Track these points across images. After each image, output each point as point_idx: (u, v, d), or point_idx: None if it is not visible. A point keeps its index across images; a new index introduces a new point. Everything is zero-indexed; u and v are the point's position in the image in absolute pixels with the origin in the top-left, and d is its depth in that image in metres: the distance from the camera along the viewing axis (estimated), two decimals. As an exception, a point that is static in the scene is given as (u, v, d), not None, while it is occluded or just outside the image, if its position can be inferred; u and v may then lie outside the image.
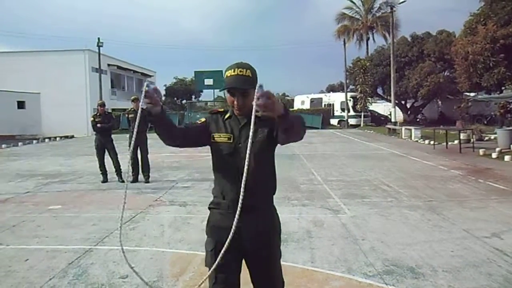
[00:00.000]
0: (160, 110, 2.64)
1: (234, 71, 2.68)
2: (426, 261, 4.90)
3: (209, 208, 2.91)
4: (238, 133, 2.75)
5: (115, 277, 4.59)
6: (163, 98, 64.23)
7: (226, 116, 2.83)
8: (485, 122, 31.79)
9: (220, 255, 2.49)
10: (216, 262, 2.53)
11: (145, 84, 2.54)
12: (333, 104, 41.85)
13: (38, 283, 4.45)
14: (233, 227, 2.45)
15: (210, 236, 2.86)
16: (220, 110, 2.92)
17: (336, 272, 4.63)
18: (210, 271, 2.67)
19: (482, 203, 7.87)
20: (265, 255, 2.78)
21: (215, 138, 2.80)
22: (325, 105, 42.46)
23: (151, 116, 2.66)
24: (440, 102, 40.52)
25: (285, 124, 2.47)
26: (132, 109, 10.93)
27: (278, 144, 2.76)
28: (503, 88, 22.95)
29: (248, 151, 2.48)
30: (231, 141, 2.75)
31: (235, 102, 2.70)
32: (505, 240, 5.65)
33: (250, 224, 2.69)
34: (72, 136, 33.49)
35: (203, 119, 2.92)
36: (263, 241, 2.76)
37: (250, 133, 2.41)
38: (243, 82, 2.66)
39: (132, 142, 3.24)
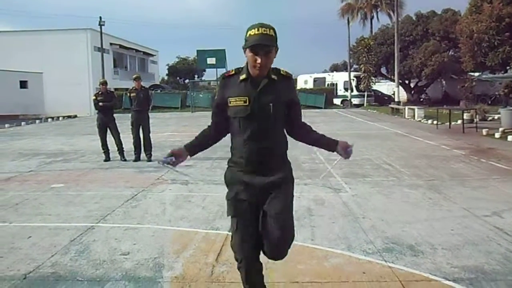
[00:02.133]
0: (188, 156, 3.02)
1: (258, 30, 2.71)
2: (425, 239, 4.92)
3: (227, 168, 3.03)
4: (256, 95, 2.78)
5: (116, 254, 4.64)
6: (166, 77, 64.22)
7: (242, 78, 2.83)
8: (489, 102, 31.58)
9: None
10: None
11: (161, 164, 2.92)
12: (336, 84, 41.60)
13: (40, 259, 4.50)
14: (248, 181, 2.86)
15: (230, 188, 2.99)
16: (232, 72, 2.93)
17: (336, 250, 4.66)
18: (231, 218, 2.94)
19: (483, 183, 7.87)
20: (278, 198, 2.89)
21: (231, 103, 2.83)
22: (328, 84, 42.22)
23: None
24: (444, 82, 40.28)
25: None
26: (134, 88, 10.90)
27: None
28: (507, 67, 22.70)
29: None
30: (247, 103, 2.79)
31: (258, 61, 2.72)
32: (505, 219, 5.66)
33: (265, 178, 2.87)
34: (75, 116, 33.53)
35: (218, 89, 2.99)
36: (277, 190, 2.89)
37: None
38: (267, 40, 2.72)
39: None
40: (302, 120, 3.07)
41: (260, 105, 2.77)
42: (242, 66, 2.89)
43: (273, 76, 2.82)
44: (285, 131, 3.01)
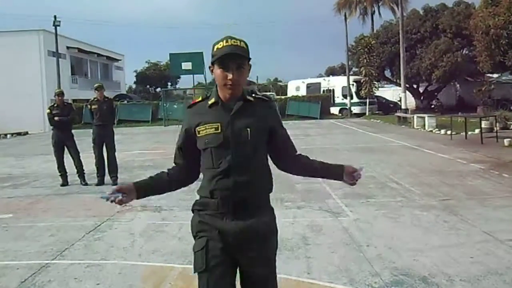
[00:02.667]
0: (136, 196, 2.82)
1: (227, 42, 2.67)
2: (441, 269, 4.94)
3: (193, 210, 2.86)
4: (229, 120, 2.70)
5: (76, 296, 4.58)
6: (134, 85, 64.18)
7: (211, 102, 2.76)
8: (511, 107, 32.03)
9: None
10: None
11: (104, 199, 2.76)
12: (333, 90, 41.89)
13: (-16, 305, 4.43)
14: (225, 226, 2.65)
15: (198, 237, 2.81)
16: (198, 100, 2.87)
17: (337, 284, 4.65)
18: (200, 274, 2.71)
19: (506, 201, 7.94)
20: (261, 258, 2.76)
21: (200, 132, 2.74)
22: (324, 91, 42.49)
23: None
24: (458, 85, 40.82)
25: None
26: (96, 99, 10.87)
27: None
28: (531, 67, 23.13)
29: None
30: (219, 131, 2.69)
31: (229, 77, 2.65)
32: (532, 243, 5.71)
33: (244, 223, 2.70)
34: (26, 133, 33.31)
35: (181, 127, 2.89)
36: (259, 242, 2.74)
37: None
38: (239, 51, 2.67)
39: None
40: (296, 150, 2.97)
41: (235, 131, 2.68)
42: (208, 93, 2.86)
43: (248, 98, 2.76)
44: (269, 165, 2.90)
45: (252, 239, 2.71)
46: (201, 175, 2.86)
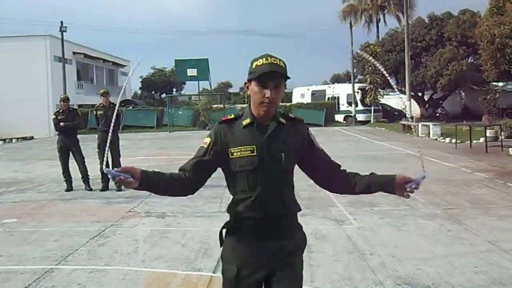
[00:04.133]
0: (138, 185, 2.59)
1: (266, 60, 2.64)
2: (444, 279, 4.93)
3: (227, 232, 2.81)
4: (264, 142, 2.66)
5: (79, 302, 4.59)
6: (139, 91, 64.35)
7: (245, 123, 2.71)
8: (517, 116, 31.97)
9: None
10: None
11: (106, 171, 2.58)
12: (338, 97, 41.90)
13: (-12, 310, 4.44)
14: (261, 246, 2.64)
15: (230, 261, 2.76)
16: (230, 117, 2.79)
17: (340, 293, 4.65)
18: None
19: (511, 211, 7.92)
20: (290, 274, 2.73)
21: (234, 154, 2.68)
22: (329, 98, 42.51)
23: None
24: (463, 94, 40.72)
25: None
26: (101, 105, 10.92)
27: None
28: (536, 76, 23.08)
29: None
30: (255, 153, 2.65)
31: (267, 95, 2.61)
32: (537, 253, 5.70)
33: (278, 243, 2.69)
34: (31, 138, 33.41)
35: (207, 140, 2.78)
36: (290, 259, 2.73)
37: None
38: (278, 69, 2.64)
39: (108, 146, 3.18)
40: (338, 166, 2.91)
41: (270, 155, 2.65)
42: (241, 111, 2.80)
43: (281, 119, 2.74)
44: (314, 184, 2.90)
45: (285, 258, 2.71)
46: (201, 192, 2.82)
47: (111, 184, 10.80)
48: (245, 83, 2.75)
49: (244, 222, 2.70)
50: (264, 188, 2.65)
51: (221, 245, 2.81)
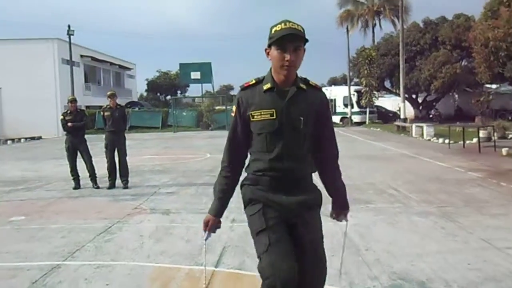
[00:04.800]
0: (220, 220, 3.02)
1: (285, 24, 2.66)
2: (438, 275, 4.91)
3: (243, 185, 2.89)
4: (284, 107, 2.69)
5: (86, 296, 4.58)
6: (145, 93, 64.33)
7: (266, 87, 2.73)
8: (509, 117, 31.93)
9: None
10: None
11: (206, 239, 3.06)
12: (334, 99, 41.82)
13: (-3, 304, 4.43)
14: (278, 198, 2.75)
15: (252, 204, 2.84)
16: (251, 82, 2.83)
17: (336, 287, 4.63)
18: (259, 234, 2.74)
19: (504, 209, 7.89)
20: (311, 225, 2.84)
21: (255, 117, 2.73)
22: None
23: None
24: (456, 96, 40.74)
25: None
26: (108, 106, 10.91)
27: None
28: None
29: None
30: (274, 117, 2.69)
31: (287, 58, 2.63)
32: (528, 250, 5.68)
33: (295, 198, 2.76)
34: (40, 137, 33.41)
35: (233, 108, 2.83)
36: (308, 212, 2.83)
37: None
38: (297, 32, 2.65)
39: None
40: (334, 154, 2.98)
41: (289, 119, 2.69)
42: (261, 76, 2.81)
43: (301, 85, 2.75)
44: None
45: (302, 211, 2.78)
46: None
47: (118, 182, 10.81)
48: (266, 49, 2.76)
49: (261, 178, 2.77)
50: (281, 149, 2.70)
51: (243, 197, 2.90)
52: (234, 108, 2.82)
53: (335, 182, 3.06)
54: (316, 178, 2.95)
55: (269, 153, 2.72)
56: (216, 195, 2.98)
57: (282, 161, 2.70)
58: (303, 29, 2.69)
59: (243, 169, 2.93)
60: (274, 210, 2.74)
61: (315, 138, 2.85)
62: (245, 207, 2.87)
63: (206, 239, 3.00)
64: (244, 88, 2.82)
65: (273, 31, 2.67)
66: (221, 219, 3.00)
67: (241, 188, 2.89)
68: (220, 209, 2.97)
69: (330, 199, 3.21)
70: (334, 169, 3.00)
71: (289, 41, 2.62)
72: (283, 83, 2.70)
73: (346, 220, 3.28)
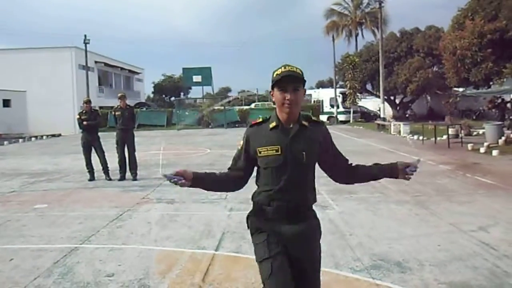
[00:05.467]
0: (190, 184, 2.73)
1: (284, 68, 2.64)
2: (413, 255, 4.94)
3: (250, 216, 2.82)
4: (288, 143, 2.64)
5: (101, 275, 4.58)
6: (152, 95, 64.19)
7: (272, 126, 2.69)
8: (474, 117, 32.05)
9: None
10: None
11: (163, 175, 2.71)
12: (322, 101, 41.87)
13: (23, 282, 4.42)
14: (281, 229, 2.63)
15: (258, 233, 2.76)
16: (259, 120, 2.80)
17: (323, 268, 4.61)
18: (263, 262, 2.64)
19: (469, 198, 7.94)
20: (310, 256, 2.74)
21: (262, 153, 2.68)
22: (314, 101, 42.49)
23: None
24: (429, 98, 40.75)
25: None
26: (119, 107, 10.89)
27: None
28: (491, 83, 23.08)
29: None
30: (280, 152, 2.64)
31: (287, 97, 2.60)
32: (491, 234, 5.71)
33: (296, 226, 2.68)
34: (59, 135, 33.29)
35: (241, 142, 2.80)
36: (308, 242, 2.73)
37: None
38: (295, 74, 2.63)
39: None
40: (347, 161, 2.93)
41: (293, 154, 2.64)
42: (268, 115, 2.78)
43: (303, 122, 2.71)
44: (314, 181, 2.85)
45: (303, 239, 2.70)
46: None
47: (128, 174, 10.79)
48: (270, 92, 2.75)
49: (266, 208, 2.70)
50: (286, 182, 2.64)
51: (248, 227, 2.83)
52: (241, 142, 2.80)
53: (366, 173, 2.93)
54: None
55: (274, 186, 2.67)
56: (210, 172, 2.91)
57: (286, 193, 2.65)
58: (301, 72, 2.67)
59: (240, 189, 2.90)
60: (278, 240, 2.68)
61: (331, 165, 2.85)
62: (251, 235, 2.81)
63: (164, 174, 2.70)
64: (252, 125, 2.80)
65: (274, 75, 2.66)
66: (189, 182, 2.72)
67: (247, 219, 2.83)
68: (201, 175, 2.80)
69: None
70: (355, 171, 2.92)
71: (288, 82, 2.60)
72: (287, 121, 2.67)
73: (416, 163, 2.95)
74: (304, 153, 2.65)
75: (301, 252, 2.70)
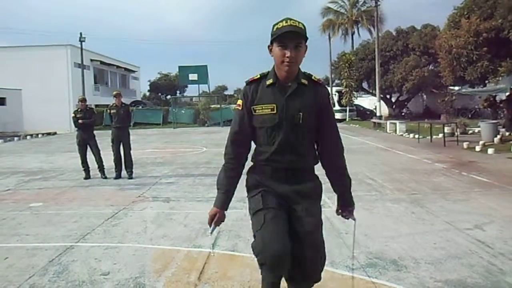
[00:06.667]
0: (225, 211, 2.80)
1: (286, 22, 2.50)
2: (409, 254, 4.94)
3: (249, 173, 2.76)
4: (284, 102, 2.54)
5: (96, 274, 4.56)
6: (148, 93, 64.05)
7: (268, 83, 2.57)
8: (469, 115, 32.14)
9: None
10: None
11: (211, 232, 2.81)
12: (318, 99, 41.88)
13: (17, 281, 4.40)
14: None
15: (253, 188, 2.71)
16: (256, 77, 2.66)
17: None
18: (256, 213, 2.61)
19: (465, 196, 7.95)
20: (309, 212, 2.67)
21: (257, 111, 2.58)
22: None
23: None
24: (425, 96, 40.87)
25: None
26: (114, 105, 10.85)
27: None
28: (486, 81, 23.15)
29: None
30: (275, 111, 2.54)
31: (287, 54, 2.47)
32: (487, 232, 5.72)
33: (294, 187, 2.63)
34: (55, 133, 33.16)
35: (240, 102, 2.67)
36: (306, 200, 2.67)
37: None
38: (298, 30, 2.49)
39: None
40: (338, 149, 2.79)
41: (289, 114, 2.53)
42: (266, 71, 2.65)
43: (303, 81, 2.59)
44: (314, 144, 2.76)
45: (300, 198, 2.64)
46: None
47: (123, 173, 10.76)
48: (268, 46, 2.61)
49: (263, 168, 2.65)
50: (282, 143, 2.56)
51: (246, 184, 2.79)
52: (240, 101, 2.67)
53: (340, 178, 2.89)
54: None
55: (270, 146, 2.59)
56: (222, 187, 2.77)
57: (282, 154, 2.57)
58: (304, 27, 2.54)
59: (248, 160, 2.81)
60: (273, 196, 2.62)
61: (317, 131, 2.70)
62: (247, 190, 2.75)
63: (211, 232, 2.77)
64: (249, 83, 2.67)
65: (275, 29, 2.52)
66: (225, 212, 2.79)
67: (247, 175, 2.75)
68: (225, 202, 2.76)
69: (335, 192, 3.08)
70: (338, 164, 2.83)
71: (290, 38, 2.47)
72: (285, 78, 2.55)
73: (354, 219, 3.01)
74: (300, 113, 2.54)
75: (300, 209, 2.63)
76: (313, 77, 2.67)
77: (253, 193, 2.69)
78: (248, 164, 2.87)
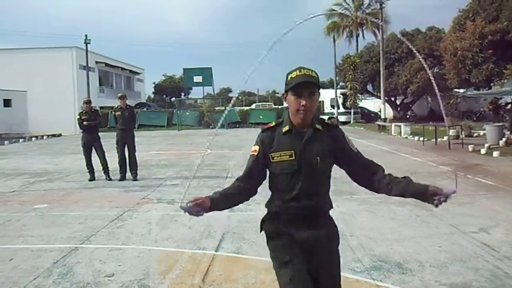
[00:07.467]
0: (208, 209, 2.67)
1: (300, 71, 2.54)
2: (413, 257, 4.93)
3: (265, 221, 2.72)
4: (302, 148, 2.55)
5: (100, 276, 4.57)
6: (152, 95, 64.22)
7: (285, 130, 2.60)
8: (474, 118, 32.03)
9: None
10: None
11: (181, 207, 2.64)
12: (323, 101, 41.76)
13: (22, 282, 4.41)
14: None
15: (275, 237, 2.66)
16: (272, 124, 2.70)
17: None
18: (282, 267, 2.55)
19: (470, 199, 7.92)
20: (329, 262, 2.66)
21: (275, 158, 2.58)
22: (315, 102, 42.44)
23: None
24: (429, 99, 40.76)
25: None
26: (119, 107, 10.88)
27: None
28: (491, 84, 23.08)
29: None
30: (293, 157, 2.55)
31: (302, 103, 2.51)
32: (492, 235, 5.70)
33: (315, 232, 2.60)
34: (60, 135, 33.27)
35: (255, 148, 2.67)
36: (326, 248, 2.64)
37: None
38: (312, 79, 2.53)
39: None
40: (377, 168, 2.78)
41: (307, 159, 2.54)
42: (281, 119, 2.69)
43: (317, 126, 2.62)
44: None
45: (321, 245, 2.61)
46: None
47: (128, 174, 10.78)
48: (283, 94, 2.67)
49: (281, 215, 2.63)
50: (301, 188, 2.55)
51: (260, 231, 2.75)
52: (256, 148, 2.67)
53: (396, 179, 2.79)
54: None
55: (289, 192, 2.57)
56: (221, 190, 2.79)
57: (301, 199, 2.56)
58: (317, 75, 2.58)
59: (253, 193, 2.76)
60: (295, 245, 2.59)
61: (355, 170, 2.72)
62: (267, 241, 2.72)
63: (181, 207, 2.64)
64: (264, 130, 2.69)
65: (289, 78, 2.56)
66: (206, 212, 2.69)
67: (261, 224, 2.73)
68: (216, 199, 2.72)
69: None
70: (382, 175, 2.80)
71: (304, 87, 2.52)
72: (300, 125, 2.58)
73: (454, 191, 2.64)
74: (318, 158, 2.56)
75: (319, 259, 2.61)
76: (326, 121, 2.71)
77: (275, 244, 2.66)
78: (262, 210, 2.82)
